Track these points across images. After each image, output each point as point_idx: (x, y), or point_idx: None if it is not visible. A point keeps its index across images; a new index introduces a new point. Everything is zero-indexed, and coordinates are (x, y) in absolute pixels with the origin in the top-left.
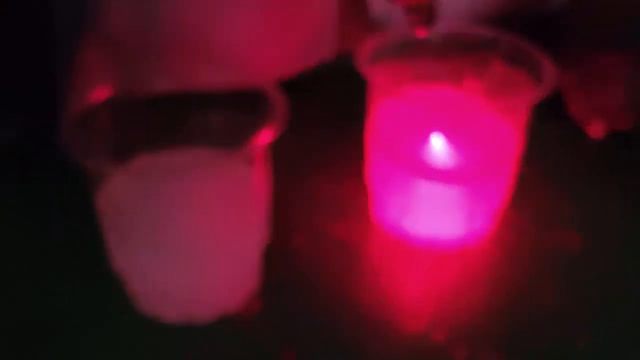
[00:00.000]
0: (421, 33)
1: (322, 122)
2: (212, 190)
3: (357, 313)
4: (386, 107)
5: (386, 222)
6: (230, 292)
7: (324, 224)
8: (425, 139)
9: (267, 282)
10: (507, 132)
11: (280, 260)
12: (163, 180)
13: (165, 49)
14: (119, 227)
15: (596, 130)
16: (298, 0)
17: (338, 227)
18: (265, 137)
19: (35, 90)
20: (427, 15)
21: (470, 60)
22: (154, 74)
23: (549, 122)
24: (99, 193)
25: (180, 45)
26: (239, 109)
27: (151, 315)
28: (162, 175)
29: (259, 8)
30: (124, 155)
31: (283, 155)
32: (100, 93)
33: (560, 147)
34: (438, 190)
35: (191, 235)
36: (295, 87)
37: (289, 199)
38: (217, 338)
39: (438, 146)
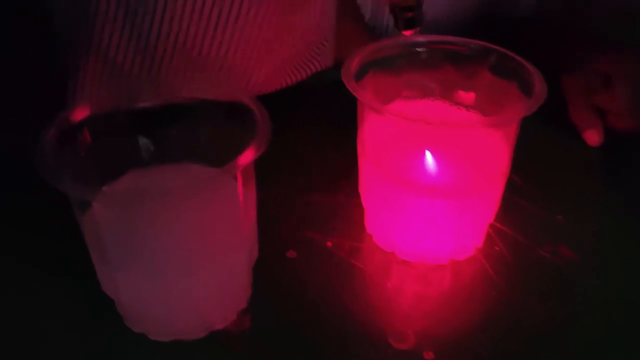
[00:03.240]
0: (408, 32)
1: (318, 132)
2: (197, 210)
3: (347, 328)
4: (375, 122)
5: (378, 235)
6: (219, 308)
7: (317, 236)
8: (414, 153)
9: (258, 297)
10: (496, 145)
11: (271, 274)
12: (145, 203)
13: (157, 64)
14: (103, 248)
15: (593, 137)
16: (295, 10)
17: (331, 240)
18: (249, 153)
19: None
20: (414, 12)
21: (459, 72)
22: (142, 88)
23: (546, 129)
24: (82, 215)
25: (172, 60)
26: (223, 123)
27: (139, 332)
28: (144, 198)
29: (257, 20)
30: (110, 174)
31: (277, 166)
32: (78, 112)
33: (556, 156)
34: (427, 205)
35: (177, 255)
36: (292, 96)
37: (282, 211)
38: (206, 355)
39: (427, 161)
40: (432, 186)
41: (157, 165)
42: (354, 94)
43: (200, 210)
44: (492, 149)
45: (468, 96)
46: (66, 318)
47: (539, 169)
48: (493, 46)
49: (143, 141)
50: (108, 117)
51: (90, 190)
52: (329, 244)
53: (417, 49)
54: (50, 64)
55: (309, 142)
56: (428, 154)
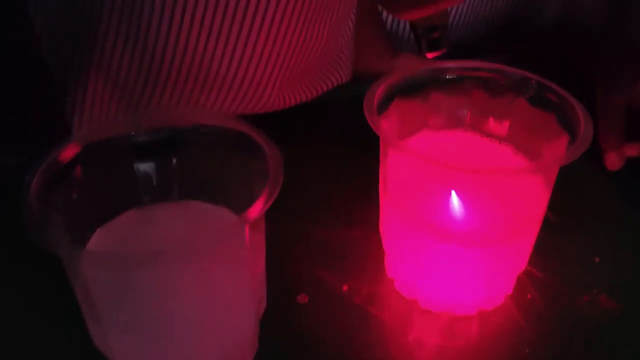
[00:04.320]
0: (432, 54)
1: (333, 155)
2: (200, 267)
3: None
4: (398, 159)
5: (399, 280)
6: None
7: (331, 278)
8: (441, 195)
9: (264, 350)
10: (534, 190)
11: (280, 323)
12: (143, 265)
13: (162, 80)
14: (94, 308)
15: (613, 161)
16: (309, 21)
17: (346, 283)
18: (260, 202)
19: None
20: (440, 32)
21: (492, 99)
22: (148, 110)
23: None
24: (71, 270)
25: (179, 76)
26: (228, 154)
27: None
28: (142, 260)
29: (270, 34)
30: (107, 212)
31: (286, 195)
32: (69, 150)
33: (587, 186)
34: (454, 252)
35: (177, 317)
36: (304, 114)
37: (291, 247)
38: None
39: (455, 205)
40: (460, 233)
41: (158, 201)
42: (375, 131)
43: (204, 266)
44: (529, 193)
45: (501, 126)
46: (66, 329)
47: (572, 202)
48: (531, 75)
49: (141, 175)
50: (102, 151)
51: (80, 252)
52: (345, 287)
53: (447, 75)
54: (42, 78)
55: (322, 166)
56: (455, 196)
